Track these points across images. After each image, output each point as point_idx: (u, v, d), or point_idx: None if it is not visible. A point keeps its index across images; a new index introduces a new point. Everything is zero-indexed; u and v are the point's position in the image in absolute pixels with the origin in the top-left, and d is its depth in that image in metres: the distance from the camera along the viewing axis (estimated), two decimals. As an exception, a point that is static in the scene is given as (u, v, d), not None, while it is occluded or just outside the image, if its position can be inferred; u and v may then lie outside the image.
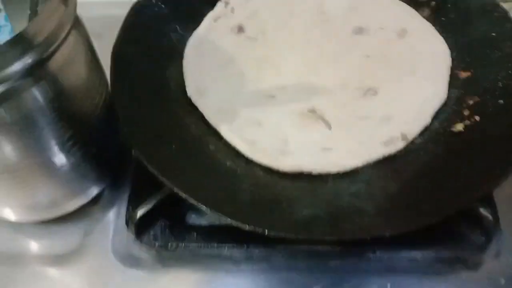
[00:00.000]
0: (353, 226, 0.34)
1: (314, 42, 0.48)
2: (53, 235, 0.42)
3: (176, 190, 0.35)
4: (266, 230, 0.33)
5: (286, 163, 0.39)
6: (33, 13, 0.34)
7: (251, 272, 0.38)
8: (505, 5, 0.45)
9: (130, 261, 0.40)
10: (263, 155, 0.39)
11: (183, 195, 0.34)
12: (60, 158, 0.36)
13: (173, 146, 0.39)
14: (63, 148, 0.35)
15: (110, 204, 0.43)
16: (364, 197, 0.37)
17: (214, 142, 0.41)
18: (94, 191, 0.42)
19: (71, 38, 0.31)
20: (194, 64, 0.45)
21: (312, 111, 0.43)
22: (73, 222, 0.42)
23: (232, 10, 0.50)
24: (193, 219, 0.41)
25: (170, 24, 0.48)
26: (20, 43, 0.28)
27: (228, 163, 0.40)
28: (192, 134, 0.41)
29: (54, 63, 0.30)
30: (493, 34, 0.44)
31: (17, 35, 0.28)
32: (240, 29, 0.49)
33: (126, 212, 0.40)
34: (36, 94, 0.30)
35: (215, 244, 0.39)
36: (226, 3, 0.50)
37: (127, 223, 0.40)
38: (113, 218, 0.42)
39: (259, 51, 0.47)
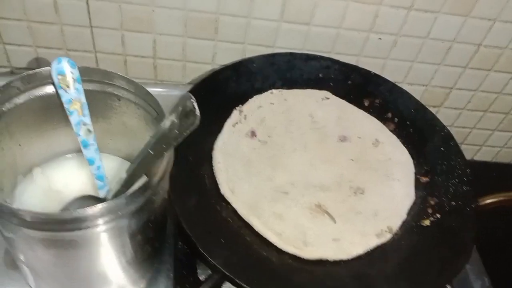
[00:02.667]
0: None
1: (310, 146, 0.61)
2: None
3: (238, 281, 0.44)
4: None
5: (309, 253, 0.50)
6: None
7: None
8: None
9: None
10: (290, 245, 0.50)
11: (243, 284, 0.44)
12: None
13: (222, 240, 0.48)
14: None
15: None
16: (366, 276, 0.49)
17: (249, 234, 0.51)
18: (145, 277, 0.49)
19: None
20: (222, 165, 0.55)
21: (318, 206, 0.55)
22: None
23: (245, 117, 0.61)
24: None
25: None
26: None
27: (264, 253, 0.50)
28: (232, 228, 0.51)
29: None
30: (442, 149, 0.60)
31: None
32: (253, 134, 0.60)
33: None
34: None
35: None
36: (240, 111, 0.61)
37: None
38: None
39: (269, 152, 0.59)
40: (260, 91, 0.64)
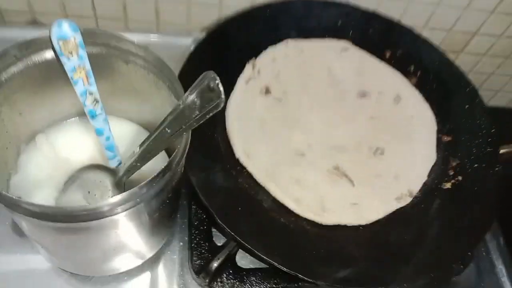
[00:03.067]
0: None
1: (328, 104, 0.57)
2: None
3: (254, 249, 0.43)
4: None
5: (328, 219, 0.49)
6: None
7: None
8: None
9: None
10: (309, 211, 0.49)
11: (261, 255, 0.43)
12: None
13: (238, 208, 0.47)
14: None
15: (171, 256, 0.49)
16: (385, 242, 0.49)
17: (266, 200, 0.49)
18: (160, 244, 0.48)
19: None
20: (236, 127, 0.52)
21: (337, 168, 0.53)
22: (138, 273, 0.48)
23: (259, 71, 0.57)
24: (242, 264, 0.50)
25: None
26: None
27: (282, 219, 0.48)
28: (248, 195, 0.49)
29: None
30: (466, 106, 0.57)
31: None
32: (267, 90, 0.56)
33: (193, 265, 0.47)
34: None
35: (272, 285, 0.48)
36: (254, 66, 0.57)
37: (197, 274, 0.47)
38: (174, 269, 0.49)
39: (285, 111, 0.56)
40: (274, 41, 0.59)
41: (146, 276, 0.48)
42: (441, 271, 0.48)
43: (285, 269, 0.43)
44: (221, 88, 0.29)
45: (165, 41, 0.64)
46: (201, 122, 0.32)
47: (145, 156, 0.38)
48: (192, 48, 0.56)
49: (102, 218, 0.32)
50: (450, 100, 0.58)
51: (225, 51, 0.56)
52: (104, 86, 0.41)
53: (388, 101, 0.58)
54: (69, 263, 0.44)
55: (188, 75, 0.52)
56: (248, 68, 0.57)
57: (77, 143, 0.46)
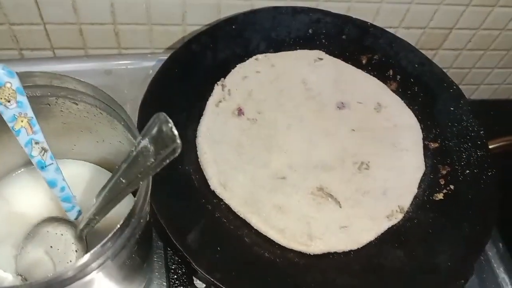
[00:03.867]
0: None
1: (306, 120, 0.54)
2: None
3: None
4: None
5: (316, 248, 0.45)
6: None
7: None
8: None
9: None
10: (295, 242, 0.45)
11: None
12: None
13: (218, 248, 0.43)
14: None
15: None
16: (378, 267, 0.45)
17: (247, 233, 0.45)
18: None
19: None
20: (209, 156, 0.48)
21: (321, 189, 0.49)
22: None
23: (229, 92, 0.53)
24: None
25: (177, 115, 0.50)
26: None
27: (267, 254, 0.44)
28: (228, 230, 0.45)
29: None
30: (451, 108, 0.54)
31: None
32: (240, 111, 0.52)
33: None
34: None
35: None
36: (223, 86, 0.53)
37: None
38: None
39: (261, 132, 0.52)
40: (243, 58, 0.55)
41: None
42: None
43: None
44: (176, 133, 0.25)
45: (128, 65, 0.60)
46: (158, 169, 0.28)
47: (103, 207, 0.33)
48: (154, 71, 0.52)
49: (72, 283, 0.28)
50: (434, 103, 0.55)
51: (190, 72, 0.52)
52: (53, 127, 0.37)
53: (368, 110, 0.55)
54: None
55: (152, 100, 0.48)
56: (217, 90, 0.53)
57: (31, 195, 0.42)
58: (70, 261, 0.39)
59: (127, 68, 0.60)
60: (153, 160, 0.27)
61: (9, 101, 0.32)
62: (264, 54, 0.56)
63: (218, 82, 0.53)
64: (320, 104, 0.55)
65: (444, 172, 0.51)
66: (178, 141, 0.25)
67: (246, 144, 0.50)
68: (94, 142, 0.40)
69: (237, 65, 0.55)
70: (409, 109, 0.55)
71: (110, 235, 0.29)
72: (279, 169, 0.50)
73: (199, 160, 0.48)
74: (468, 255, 0.45)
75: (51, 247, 0.39)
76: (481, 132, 0.51)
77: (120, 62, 0.59)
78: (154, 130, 0.27)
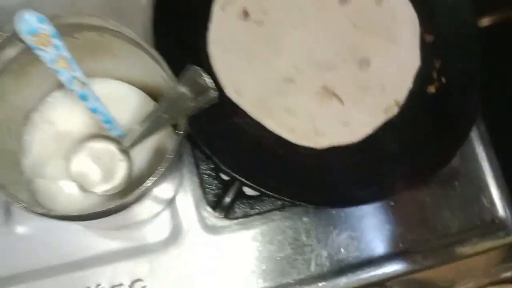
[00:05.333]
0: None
1: (310, 17, 0.56)
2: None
3: (261, 189, 0.47)
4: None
5: (322, 143, 0.52)
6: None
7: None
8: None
9: (217, 231, 0.53)
10: (303, 139, 0.52)
11: (265, 191, 0.47)
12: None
13: (241, 150, 0.50)
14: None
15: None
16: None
17: (263, 134, 0.52)
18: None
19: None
20: (222, 65, 0.52)
21: (325, 88, 0.54)
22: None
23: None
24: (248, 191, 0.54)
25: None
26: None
27: (280, 151, 0.52)
28: (246, 132, 0.51)
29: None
30: (450, 1, 0.56)
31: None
32: (246, 13, 0.54)
33: (208, 202, 0.52)
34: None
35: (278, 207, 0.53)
36: (227, -12, 0.54)
37: (214, 209, 0.52)
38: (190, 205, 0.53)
39: (268, 34, 0.54)
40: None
41: (166, 214, 0.53)
42: (430, 173, 0.52)
43: (286, 199, 0.48)
44: (210, 84, 0.30)
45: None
46: (198, 110, 0.33)
47: (147, 133, 0.39)
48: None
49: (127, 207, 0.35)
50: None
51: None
52: (81, 52, 0.40)
53: (369, 2, 0.57)
54: (96, 227, 0.49)
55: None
56: (222, -7, 0.54)
57: (72, 113, 0.46)
58: (116, 168, 0.45)
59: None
60: (192, 104, 0.32)
61: (46, 46, 0.35)
62: None
63: (222, -15, 0.54)
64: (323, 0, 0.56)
65: (437, 65, 0.56)
66: (214, 92, 0.30)
67: (254, 47, 0.53)
68: (118, 63, 0.44)
69: (239, -35, 0.55)
70: (408, 1, 0.57)
71: (168, 156, 0.34)
72: (287, 72, 0.54)
73: (213, 70, 0.52)
74: (456, 140, 0.52)
75: (99, 158, 0.46)
76: (476, 26, 0.54)
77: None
78: (189, 79, 0.31)
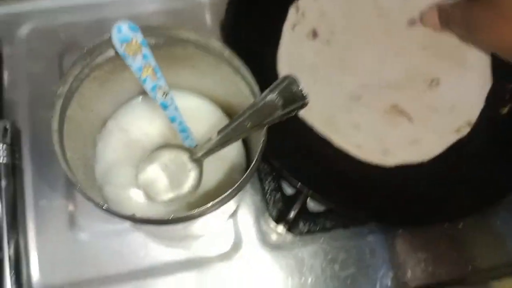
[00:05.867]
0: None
1: (378, 38, 0.56)
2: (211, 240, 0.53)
3: (330, 203, 0.46)
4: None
5: (390, 161, 0.51)
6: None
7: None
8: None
9: (278, 246, 0.52)
10: (371, 156, 0.51)
11: (330, 204, 0.47)
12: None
13: (306, 161, 0.49)
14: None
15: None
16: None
17: (329, 149, 0.51)
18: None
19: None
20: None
21: (394, 106, 0.54)
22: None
23: (303, 14, 0.55)
24: (311, 207, 0.53)
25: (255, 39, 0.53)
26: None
27: (347, 168, 0.51)
28: (311, 147, 0.51)
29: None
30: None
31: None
32: (314, 34, 0.55)
33: (271, 215, 0.51)
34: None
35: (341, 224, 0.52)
36: (297, 9, 0.55)
37: (277, 222, 0.51)
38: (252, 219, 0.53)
39: (335, 54, 0.55)
40: (315, -24, 0.56)
41: (228, 227, 0.53)
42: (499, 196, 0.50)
43: (354, 214, 0.47)
44: (305, 93, 0.30)
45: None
46: (284, 118, 0.33)
47: (223, 142, 0.39)
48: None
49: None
50: None
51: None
52: (163, 63, 0.41)
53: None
54: (160, 236, 0.49)
55: (232, 22, 0.51)
56: (292, 13, 0.55)
57: (146, 122, 0.48)
58: (184, 177, 0.46)
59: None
60: (280, 112, 0.32)
61: (136, 54, 0.37)
62: (335, -29, 0.56)
63: (292, 4, 0.54)
64: (390, 22, 0.56)
65: (510, 86, 0.54)
66: (307, 99, 0.30)
67: (322, 66, 0.54)
68: (198, 77, 0.45)
69: (309, -15, 0.55)
70: (479, 23, 0.56)
71: (251, 167, 0.34)
72: (354, 89, 0.54)
73: (281, 84, 0.52)
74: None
75: (166, 166, 0.46)
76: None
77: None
78: (284, 88, 0.31)
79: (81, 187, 0.32)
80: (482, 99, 0.54)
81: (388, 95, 0.53)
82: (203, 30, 0.58)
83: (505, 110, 0.53)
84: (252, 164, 0.34)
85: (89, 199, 0.33)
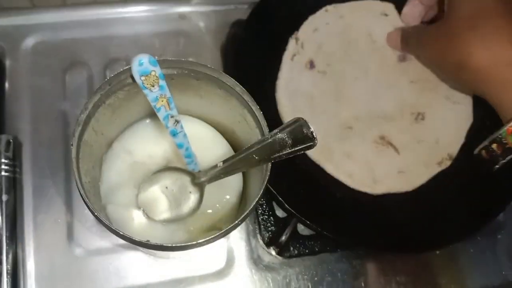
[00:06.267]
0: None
1: (371, 71, 0.59)
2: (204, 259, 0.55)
3: (318, 229, 0.49)
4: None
5: (379, 189, 0.54)
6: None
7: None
8: None
9: (269, 267, 0.55)
10: (362, 184, 0.54)
11: (320, 230, 0.49)
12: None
13: (300, 189, 0.52)
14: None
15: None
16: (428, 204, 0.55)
17: (323, 176, 0.54)
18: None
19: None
20: (288, 109, 0.55)
21: (382, 138, 0.57)
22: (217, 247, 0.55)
23: (302, 45, 0.58)
24: (302, 230, 0.56)
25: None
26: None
27: (338, 194, 0.54)
28: (306, 174, 0.54)
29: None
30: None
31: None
32: (312, 64, 0.58)
33: (263, 238, 0.54)
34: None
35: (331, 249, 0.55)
36: (297, 40, 0.58)
37: (268, 246, 0.54)
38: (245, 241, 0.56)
39: (331, 84, 0.58)
40: (314, 9, 0.59)
41: (222, 247, 0.55)
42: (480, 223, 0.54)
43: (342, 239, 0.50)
44: (315, 135, 0.32)
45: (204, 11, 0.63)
46: (291, 156, 0.36)
47: (228, 171, 0.42)
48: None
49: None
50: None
51: (267, 26, 0.57)
52: (175, 91, 0.43)
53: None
54: (157, 254, 0.51)
55: (233, 49, 0.53)
56: (291, 44, 0.58)
57: (150, 144, 0.49)
58: (184, 199, 0.48)
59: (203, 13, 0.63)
60: (288, 150, 0.35)
61: (153, 86, 0.39)
62: (333, 5, 0.59)
63: (292, 36, 0.57)
64: (383, 56, 0.60)
65: (488, 123, 0.58)
66: (316, 141, 0.33)
67: (318, 96, 0.57)
68: (203, 105, 0.47)
69: (309, 17, 0.58)
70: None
71: (253, 204, 0.37)
72: (347, 120, 0.57)
73: (279, 113, 0.55)
74: (501, 196, 0.54)
75: (167, 187, 0.48)
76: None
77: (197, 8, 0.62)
78: (295, 129, 0.34)
79: (98, 216, 0.34)
80: (463, 134, 0.58)
81: (377, 125, 0.57)
82: (203, 53, 0.61)
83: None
84: (256, 198, 0.36)
85: (107, 226, 0.34)
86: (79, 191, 0.35)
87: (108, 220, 0.45)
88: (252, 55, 0.55)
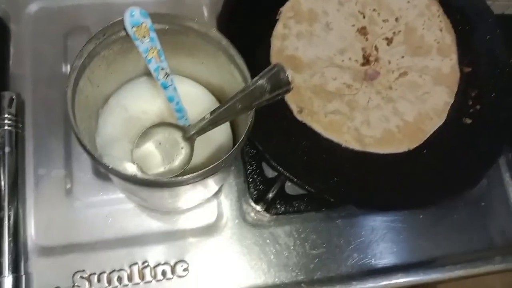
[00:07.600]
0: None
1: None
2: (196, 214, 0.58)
3: (304, 183, 0.52)
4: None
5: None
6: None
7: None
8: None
9: (256, 224, 0.58)
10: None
11: (309, 188, 0.52)
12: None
13: (288, 149, 0.55)
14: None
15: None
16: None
17: (310, 137, 0.57)
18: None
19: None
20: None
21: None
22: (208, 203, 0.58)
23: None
24: (290, 190, 0.59)
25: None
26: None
27: (324, 155, 0.56)
28: (294, 133, 0.56)
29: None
30: (488, 37, 0.61)
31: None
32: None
33: (251, 196, 0.57)
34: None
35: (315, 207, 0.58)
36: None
37: (256, 202, 0.56)
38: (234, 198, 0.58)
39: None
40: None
41: (212, 204, 0.58)
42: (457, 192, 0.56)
43: (326, 196, 0.53)
44: (291, 80, 0.35)
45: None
46: (271, 101, 0.38)
47: (215, 121, 0.44)
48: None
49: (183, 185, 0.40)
50: (471, 31, 0.62)
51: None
52: (167, 50, 0.46)
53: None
54: (151, 205, 0.54)
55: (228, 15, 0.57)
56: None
57: (145, 101, 0.52)
58: (176, 155, 0.50)
59: None
60: (268, 96, 0.37)
61: (144, 37, 0.41)
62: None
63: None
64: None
65: (473, 94, 0.60)
66: (292, 85, 0.35)
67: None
68: (196, 64, 0.50)
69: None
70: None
71: (234, 148, 0.40)
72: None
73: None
74: (482, 165, 0.56)
75: (160, 143, 0.51)
76: (511, 61, 0.60)
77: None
78: (272, 74, 0.36)
79: (88, 149, 0.37)
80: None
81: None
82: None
83: (468, 121, 0.59)
84: (241, 139, 0.39)
85: (94, 159, 0.37)
86: (73, 130, 0.37)
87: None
88: (247, 22, 0.57)
